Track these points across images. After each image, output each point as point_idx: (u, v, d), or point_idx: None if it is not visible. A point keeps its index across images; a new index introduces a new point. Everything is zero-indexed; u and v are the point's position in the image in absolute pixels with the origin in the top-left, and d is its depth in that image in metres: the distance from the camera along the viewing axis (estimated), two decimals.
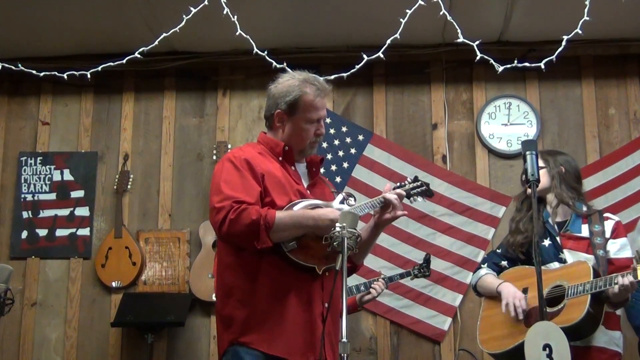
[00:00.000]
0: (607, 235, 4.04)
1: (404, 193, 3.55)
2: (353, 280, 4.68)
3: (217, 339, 3.48)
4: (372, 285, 4.76)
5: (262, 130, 3.69)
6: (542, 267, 4.01)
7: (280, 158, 3.53)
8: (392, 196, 3.47)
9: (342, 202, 3.51)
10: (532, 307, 3.97)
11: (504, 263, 4.28)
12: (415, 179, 3.68)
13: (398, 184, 3.63)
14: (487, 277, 4.25)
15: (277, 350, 3.28)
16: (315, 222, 3.32)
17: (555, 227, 4.13)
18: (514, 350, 3.90)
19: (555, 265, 4.05)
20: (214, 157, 5.78)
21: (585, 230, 4.07)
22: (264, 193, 3.36)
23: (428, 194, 3.69)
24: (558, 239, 4.09)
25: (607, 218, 4.12)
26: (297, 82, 3.57)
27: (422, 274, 4.99)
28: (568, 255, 4.05)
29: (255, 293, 3.31)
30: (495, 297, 4.16)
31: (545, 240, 4.11)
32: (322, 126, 3.59)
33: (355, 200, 3.55)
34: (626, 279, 3.69)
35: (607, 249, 4.01)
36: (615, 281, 3.72)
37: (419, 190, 3.65)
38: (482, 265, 4.35)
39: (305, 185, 3.58)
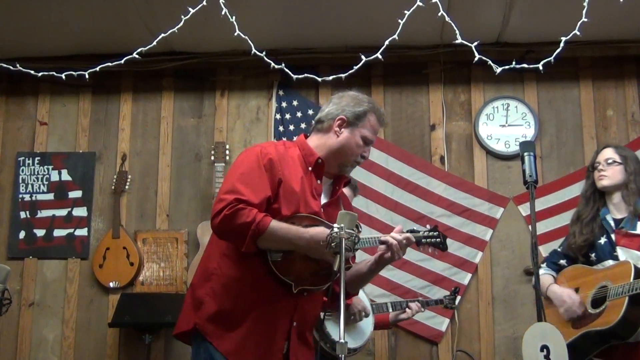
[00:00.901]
0: None
1: (413, 239, 3.47)
2: (385, 298, 4.74)
3: (181, 313, 3.39)
4: (409, 305, 4.77)
5: (305, 134, 3.58)
6: (598, 265, 4.05)
7: (310, 168, 3.45)
8: (392, 240, 3.39)
9: None
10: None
11: (563, 262, 4.29)
12: (434, 229, 3.60)
13: (414, 228, 3.54)
14: (544, 277, 4.25)
15: (225, 348, 3.23)
16: (307, 243, 3.25)
17: (612, 224, 4.12)
18: None
19: (611, 263, 4.04)
20: (212, 158, 5.77)
21: (639, 227, 4.06)
22: (274, 199, 3.29)
23: (442, 247, 3.59)
24: (613, 236, 4.08)
25: None
26: (367, 99, 3.55)
27: (451, 305, 5.04)
28: (620, 253, 4.04)
29: (231, 289, 3.27)
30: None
31: (601, 238, 4.11)
32: (368, 151, 3.56)
33: (360, 229, 3.40)
34: None
35: None
36: None
37: (432, 240, 3.57)
38: (542, 265, 4.36)
39: (324, 201, 3.49)
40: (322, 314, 3.81)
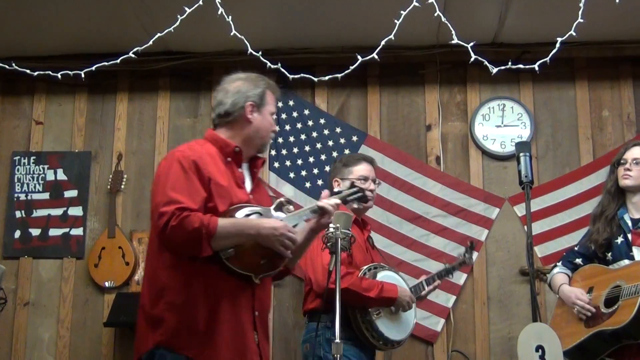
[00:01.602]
0: None
1: (339, 201, 3.57)
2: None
3: (137, 337, 3.37)
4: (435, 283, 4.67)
5: (211, 128, 3.63)
6: (614, 265, 4.05)
7: (229, 159, 3.49)
8: (327, 205, 3.47)
9: (278, 209, 3.47)
10: (593, 307, 4.01)
11: (579, 261, 4.30)
12: (352, 185, 3.78)
13: (335, 189, 3.91)
14: (558, 276, 4.30)
15: (205, 358, 3.24)
16: (257, 231, 3.28)
17: (630, 223, 4.12)
18: (573, 350, 3.94)
19: (626, 262, 4.04)
20: None
21: None
22: (208, 198, 3.32)
23: (363, 199, 3.79)
24: (630, 236, 4.08)
25: None
26: (259, 77, 3.69)
27: (469, 260, 4.94)
28: (636, 253, 4.04)
29: (189, 297, 3.26)
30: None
31: (618, 237, 4.12)
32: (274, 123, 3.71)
33: (293, 207, 3.52)
34: None
35: None
36: None
37: (354, 196, 3.69)
38: (558, 264, 4.38)
39: (249, 188, 3.55)
40: (373, 314, 4.18)
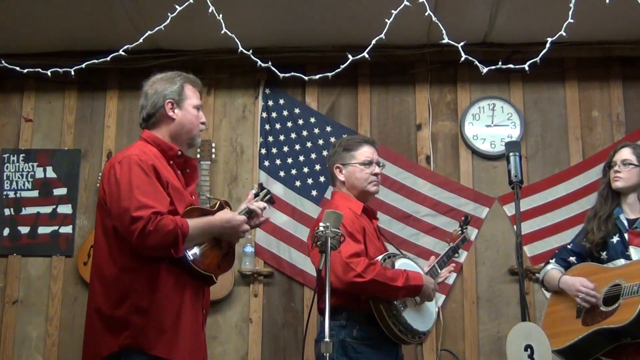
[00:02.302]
0: None
1: (265, 204, 3.72)
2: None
3: (91, 341, 3.40)
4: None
5: (146, 130, 3.67)
6: (609, 264, 4.05)
7: (172, 162, 3.57)
8: (256, 208, 3.64)
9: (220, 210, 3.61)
10: (592, 304, 4.01)
11: (572, 259, 4.28)
12: (261, 187, 3.83)
13: (254, 191, 3.77)
14: (552, 272, 4.26)
15: (177, 355, 3.31)
16: (223, 229, 3.50)
17: (626, 223, 4.13)
18: (568, 348, 3.94)
19: (621, 262, 4.05)
20: (198, 156, 5.73)
21: None
22: (170, 202, 3.41)
23: (271, 201, 3.86)
24: (626, 235, 4.09)
25: None
26: (174, 74, 3.80)
27: (465, 234, 4.70)
28: (633, 252, 4.05)
29: (154, 299, 3.31)
30: (559, 292, 4.20)
31: (614, 236, 4.12)
32: (203, 115, 3.77)
33: (230, 207, 3.70)
34: None
35: None
36: None
37: (268, 197, 3.80)
38: (550, 261, 4.36)
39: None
40: (399, 306, 3.91)
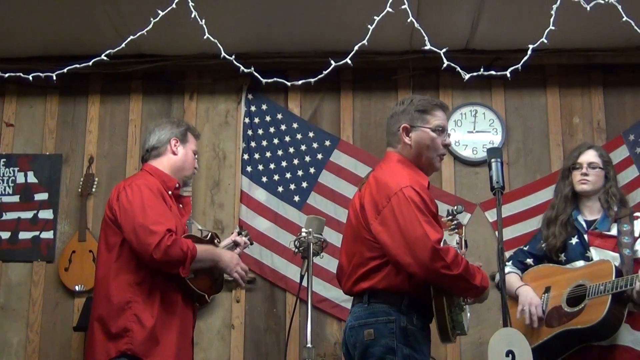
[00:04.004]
0: (637, 234, 4.03)
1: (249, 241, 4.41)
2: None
3: (93, 348, 3.73)
4: None
5: (147, 163, 4.14)
6: (567, 266, 4.04)
7: (170, 193, 3.95)
8: (242, 242, 4.31)
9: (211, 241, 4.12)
10: (553, 307, 3.99)
11: (530, 261, 4.29)
12: (241, 228, 4.50)
13: (237, 230, 4.43)
14: (510, 276, 4.21)
15: None
16: (220, 259, 3.96)
17: (584, 224, 4.13)
18: (533, 351, 3.91)
19: (581, 263, 4.05)
20: None
21: (614, 229, 4.07)
22: None
23: (251, 241, 4.48)
24: (586, 236, 4.09)
25: (638, 217, 4.11)
26: (181, 120, 4.56)
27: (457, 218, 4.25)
28: (594, 254, 4.04)
29: (152, 311, 3.69)
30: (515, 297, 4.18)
31: (572, 238, 4.11)
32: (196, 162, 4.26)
33: (219, 240, 4.26)
34: None
35: (636, 248, 4.00)
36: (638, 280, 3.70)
37: (249, 237, 4.42)
38: (507, 263, 4.31)
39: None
40: (464, 304, 3.65)
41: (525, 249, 4.35)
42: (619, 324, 3.82)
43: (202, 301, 3.95)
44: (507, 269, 4.26)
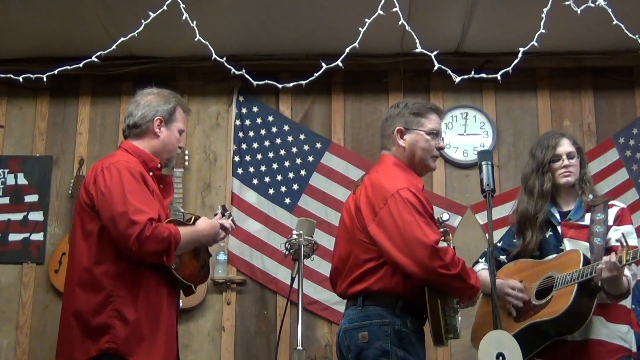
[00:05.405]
0: (610, 222, 3.89)
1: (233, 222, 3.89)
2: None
3: (71, 343, 3.40)
4: None
5: (127, 140, 3.76)
6: (542, 260, 3.97)
7: (151, 173, 3.63)
8: (229, 225, 3.80)
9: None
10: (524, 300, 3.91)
11: (503, 257, 4.15)
12: (224, 209, 3.92)
13: (220, 211, 3.87)
14: (482, 272, 4.03)
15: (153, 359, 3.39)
16: (205, 238, 3.67)
17: (558, 216, 4.01)
18: None
19: (554, 256, 3.94)
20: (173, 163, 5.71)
21: (587, 219, 3.94)
22: None
23: (233, 222, 3.94)
24: (559, 228, 3.98)
25: (612, 205, 3.97)
26: (171, 94, 3.85)
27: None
28: (568, 245, 3.92)
29: (136, 305, 3.38)
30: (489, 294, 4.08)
31: (547, 232, 4.04)
32: (181, 140, 3.87)
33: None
34: (612, 257, 3.54)
35: (609, 237, 3.85)
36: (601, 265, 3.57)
37: (232, 218, 3.91)
38: (480, 260, 4.23)
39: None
40: (456, 305, 3.63)
41: (498, 244, 4.23)
42: (588, 313, 3.67)
43: (188, 292, 3.63)
44: (479, 266, 4.16)
